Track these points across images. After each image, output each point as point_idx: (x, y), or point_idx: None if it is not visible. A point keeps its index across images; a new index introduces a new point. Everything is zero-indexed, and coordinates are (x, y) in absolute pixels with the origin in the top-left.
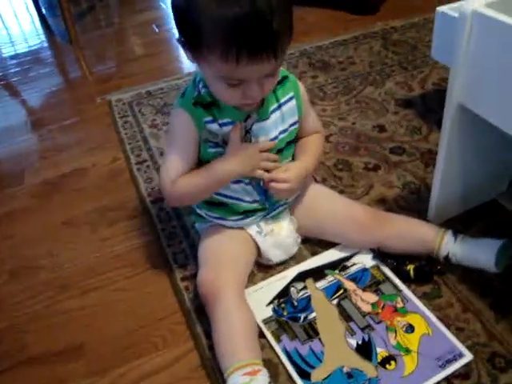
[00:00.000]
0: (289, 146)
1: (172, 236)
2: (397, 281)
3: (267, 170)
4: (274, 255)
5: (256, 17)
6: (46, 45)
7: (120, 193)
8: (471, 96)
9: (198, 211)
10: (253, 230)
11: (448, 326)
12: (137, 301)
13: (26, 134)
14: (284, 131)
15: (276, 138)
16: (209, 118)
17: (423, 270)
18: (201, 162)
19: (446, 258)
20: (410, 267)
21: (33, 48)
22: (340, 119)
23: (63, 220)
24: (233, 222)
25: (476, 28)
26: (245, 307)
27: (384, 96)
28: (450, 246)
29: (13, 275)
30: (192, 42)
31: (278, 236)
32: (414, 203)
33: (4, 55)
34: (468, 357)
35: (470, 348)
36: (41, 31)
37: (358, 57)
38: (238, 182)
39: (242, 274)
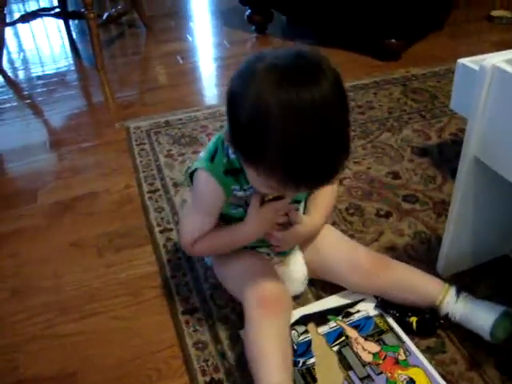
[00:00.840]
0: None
1: (177, 268)
2: (400, 332)
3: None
4: None
5: (321, 156)
6: (72, 68)
7: (130, 220)
8: (487, 150)
9: None
10: (263, 254)
11: None
12: (135, 331)
13: (43, 154)
14: None
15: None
16: (237, 187)
17: (426, 323)
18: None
19: (446, 316)
20: (413, 319)
21: (60, 70)
22: (355, 163)
23: (71, 242)
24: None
25: (495, 83)
26: (289, 328)
27: (400, 143)
28: (451, 306)
29: (14, 293)
30: (248, 157)
31: (286, 268)
32: (423, 253)
33: (32, 75)
34: None
35: None
36: (69, 54)
37: (377, 102)
38: None
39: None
